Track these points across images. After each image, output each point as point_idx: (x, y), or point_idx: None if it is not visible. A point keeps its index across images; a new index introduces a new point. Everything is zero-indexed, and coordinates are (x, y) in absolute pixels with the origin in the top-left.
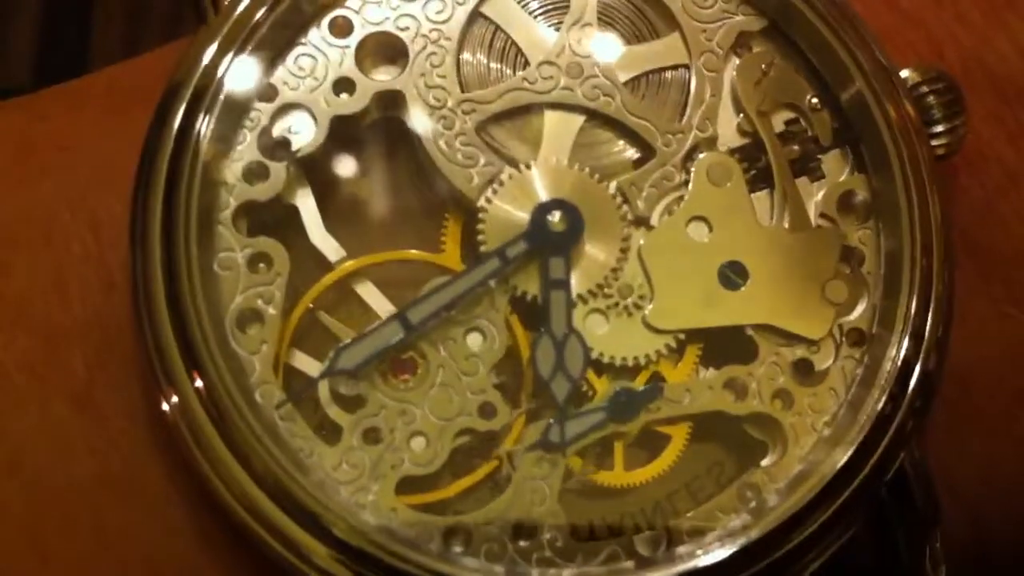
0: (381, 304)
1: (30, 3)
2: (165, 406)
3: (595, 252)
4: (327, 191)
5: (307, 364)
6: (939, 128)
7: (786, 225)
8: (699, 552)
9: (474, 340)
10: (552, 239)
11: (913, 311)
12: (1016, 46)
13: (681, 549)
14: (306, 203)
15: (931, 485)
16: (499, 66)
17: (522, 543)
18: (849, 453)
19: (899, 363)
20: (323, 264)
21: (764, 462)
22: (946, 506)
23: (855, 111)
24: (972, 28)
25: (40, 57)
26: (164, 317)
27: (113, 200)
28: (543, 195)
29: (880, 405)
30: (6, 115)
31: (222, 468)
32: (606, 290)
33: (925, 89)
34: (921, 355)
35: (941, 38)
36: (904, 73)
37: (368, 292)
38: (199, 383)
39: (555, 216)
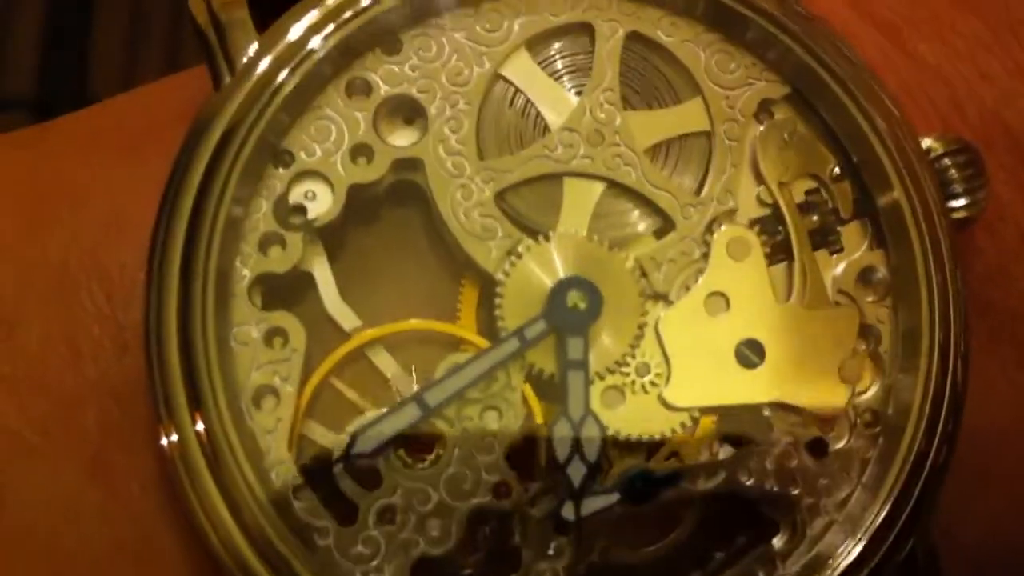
0: (396, 373)
1: (32, 15)
2: (164, 442)
3: (613, 328)
4: (342, 256)
5: (322, 435)
6: (960, 198)
7: (804, 301)
8: None
9: (491, 418)
10: (570, 319)
11: (931, 393)
12: None
13: None
14: (321, 271)
15: (933, 548)
16: (519, 131)
17: None
18: (864, 542)
19: (916, 446)
20: (338, 333)
21: (775, 541)
22: (949, 562)
23: (875, 183)
24: (995, 86)
25: (42, 68)
26: (181, 399)
27: (125, 253)
28: (561, 268)
29: (897, 489)
30: (13, 152)
31: (212, 513)
32: (623, 368)
33: (947, 161)
34: (937, 437)
35: (963, 96)
36: (926, 143)
37: (383, 361)
38: (200, 426)
39: (574, 295)
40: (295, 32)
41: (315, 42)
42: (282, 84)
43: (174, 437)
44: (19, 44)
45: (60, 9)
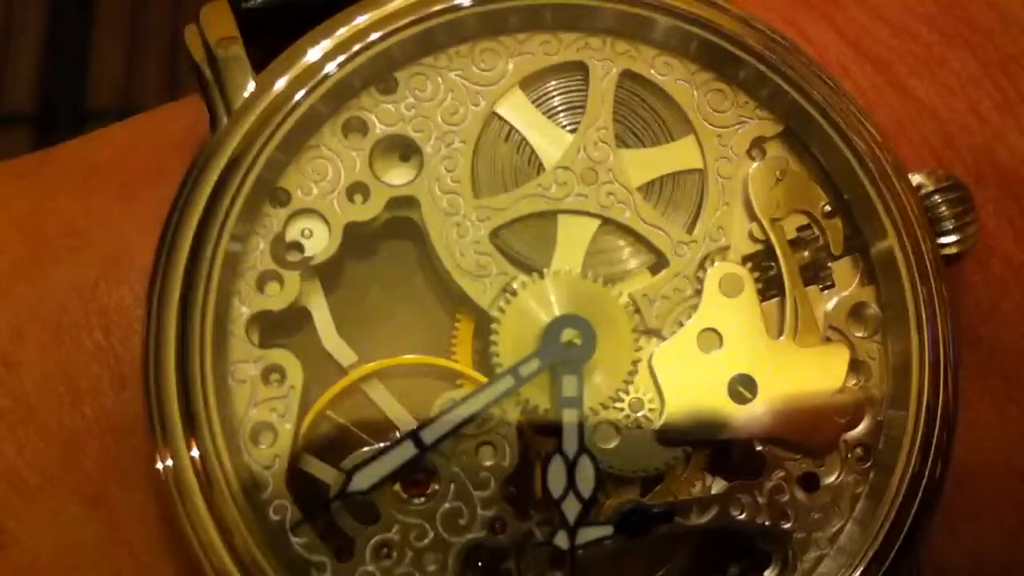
0: (393, 407)
1: (33, 32)
2: (159, 466)
3: (607, 364)
4: (338, 292)
5: (319, 469)
6: (949, 235)
7: (796, 337)
8: None
9: (486, 453)
10: (565, 356)
11: (920, 429)
12: None
13: None
14: (318, 307)
15: None
16: (514, 169)
17: None
18: (851, 569)
19: (906, 481)
20: (335, 368)
21: (767, 574)
22: None
23: (866, 221)
24: (985, 122)
25: (42, 83)
26: (179, 437)
27: (124, 290)
28: (556, 305)
29: (888, 526)
30: (13, 187)
31: (204, 536)
32: (617, 404)
33: (937, 198)
34: (927, 472)
35: (954, 131)
36: (916, 179)
37: (380, 395)
38: (195, 452)
39: (568, 332)
40: (292, 72)
41: (312, 82)
42: (279, 124)
43: (169, 462)
44: (19, 60)
45: (60, 26)
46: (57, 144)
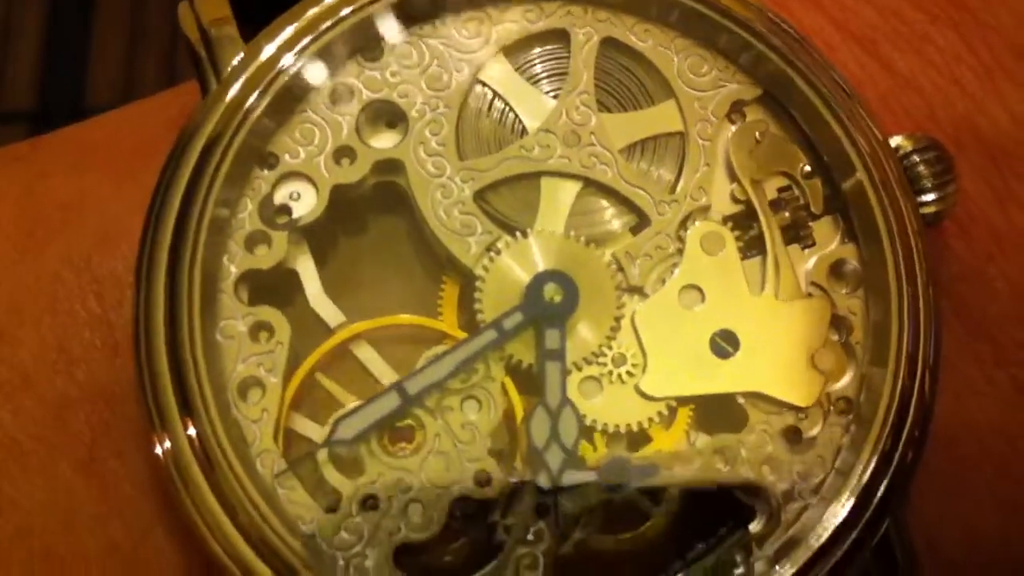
0: (380, 368)
1: (32, 30)
2: (158, 450)
3: (590, 321)
4: (327, 256)
5: (307, 428)
6: (929, 194)
7: (777, 294)
8: None
9: (471, 408)
10: (548, 310)
11: (900, 381)
12: (1009, 112)
13: None
14: (306, 269)
15: (912, 547)
16: (498, 134)
17: None
18: (836, 524)
19: (886, 433)
20: (323, 328)
21: (753, 527)
22: (928, 563)
23: (846, 180)
24: (967, 93)
25: (41, 81)
26: (168, 390)
27: (117, 262)
28: (539, 263)
29: (868, 474)
30: (7, 170)
31: (209, 517)
32: (600, 359)
33: (916, 158)
34: (907, 426)
35: (936, 102)
36: (895, 141)
37: (367, 356)
38: (192, 431)
39: (551, 287)
40: (279, 41)
41: (298, 50)
42: (266, 90)
43: (167, 444)
44: (18, 59)
45: (59, 24)
46: None
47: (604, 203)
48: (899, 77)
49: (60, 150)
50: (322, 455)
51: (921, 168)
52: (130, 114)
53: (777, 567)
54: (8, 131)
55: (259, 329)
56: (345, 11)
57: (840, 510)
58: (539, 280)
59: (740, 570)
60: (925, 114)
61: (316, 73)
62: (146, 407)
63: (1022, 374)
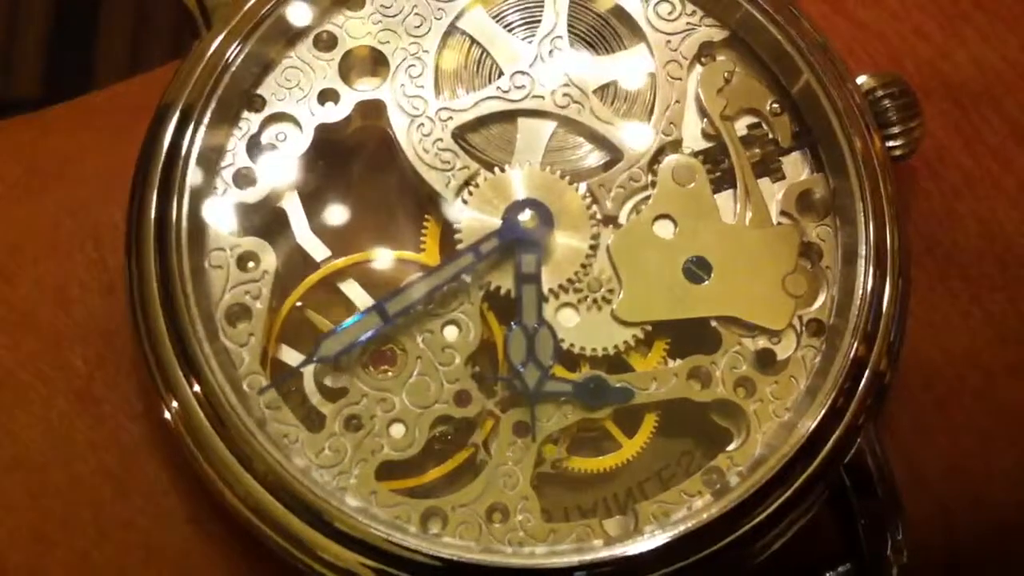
0: (365, 301)
1: (37, 18)
2: (165, 410)
3: (565, 249)
4: (313, 195)
5: (294, 358)
6: (895, 130)
7: (748, 223)
8: (664, 530)
9: (450, 332)
10: (523, 235)
11: (868, 303)
12: (971, 57)
13: (647, 528)
14: (293, 206)
15: (892, 479)
16: (474, 76)
17: (496, 524)
18: (804, 438)
19: (853, 353)
20: (309, 263)
21: (729, 448)
22: (915, 498)
23: (812, 116)
24: (930, 40)
25: (48, 69)
26: (159, 319)
27: (115, 210)
28: (517, 195)
29: (835, 393)
30: (15, 132)
31: (223, 468)
32: (576, 285)
33: (881, 94)
34: (875, 346)
35: (900, 50)
36: (861, 79)
37: (352, 290)
38: (197, 388)
39: (527, 214)
40: None
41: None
42: (249, 36)
43: (175, 405)
44: (25, 47)
45: (66, 12)
46: None
47: (579, 140)
48: (863, 28)
49: (63, 113)
50: (309, 382)
51: (886, 103)
52: (132, 83)
53: (748, 481)
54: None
55: (247, 259)
56: None
57: (810, 424)
58: (515, 207)
59: (716, 486)
60: (890, 61)
61: (300, 19)
62: (149, 372)
63: (995, 308)
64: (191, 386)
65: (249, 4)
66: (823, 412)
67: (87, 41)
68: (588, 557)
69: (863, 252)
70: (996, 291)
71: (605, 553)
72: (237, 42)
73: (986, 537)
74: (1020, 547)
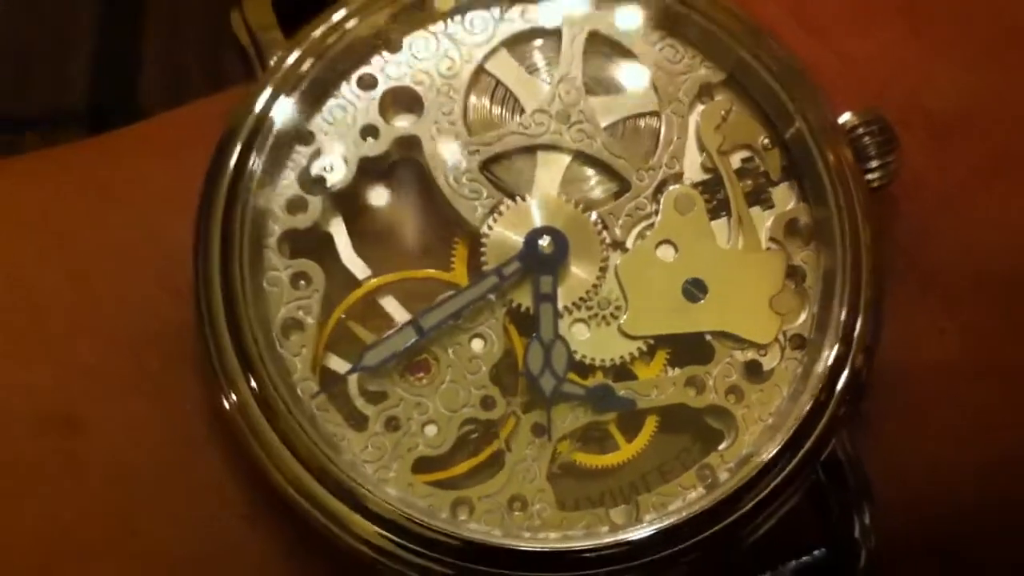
0: (401, 314)
1: (84, 35)
2: (226, 404)
3: (579, 271)
4: (356, 220)
5: (340, 365)
6: (874, 164)
7: (741, 247)
8: (662, 519)
9: (477, 344)
10: (542, 260)
11: (843, 319)
12: (952, 85)
13: (648, 517)
14: (338, 230)
15: (862, 472)
16: (500, 113)
17: (516, 513)
18: (786, 438)
19: (830, 363)
20: (352, 281)
21: (720, 447)
22: (891, 493)
23: (798, 151)
24: (912, 71)
25: (94, 83)
26: (223, 328)
27: (179, 226)
28: (536, 222)
29: (813, 398)
30: (77, 157)
31: (275, 456)
32: (588, 303)
33: (861, 131)
34: (850, 356)
35: (885, 81)
36: (844, 117)
37: (390, 304)
38: (253, 384)
39: (545, 240)
40: (313, 37)
41: (330, 43)
42: (303, 79)
43: (233, 398)
44: (73, 62)
45: (110, 28)
46: None
47: (592, 172)
48: (849, 61)
49: (123, 138)
50: (353, 387)
51: (866, 139)
52: (184, 111)
53: (736, 476)
54: (66, 133)
55: (299, 278)
56: (370, 13)
57: (791, 426)
58: (534, 234)
59: (708, 480)
60: (874, 93)
61: (347, 64)
62: (212, 370)
63: (971, 320)
64: (248, 383)
65: (305, 46)
66: (803, 416)
67: (132, 55)
68: (596, 542)
69: (841, 274)
70: (970, 306)
71: (610, 539)
72: (291, 85)
73: (957, 524)
74: (989, 530)
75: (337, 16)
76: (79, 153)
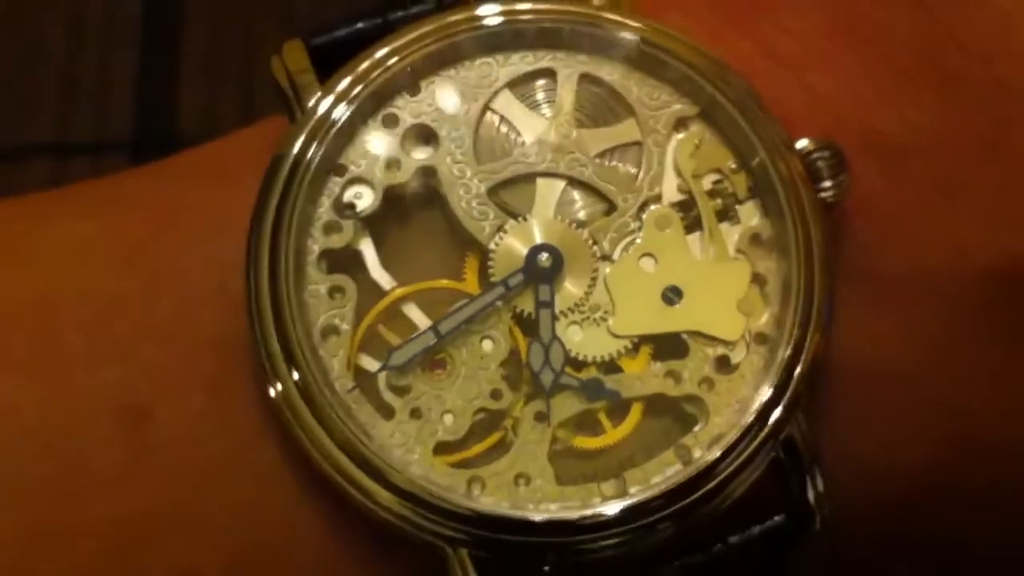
0: (422, 320)
1: (126, 67)
2: (272, 393)
3: (573, 281)
4: (382, 238)
5: (370, 364)
6: (826, 183)
7: (711, 258)
8: (646, 491)
9: (487, 345)
10: (541, 272)
11: (798, 319)
12: (902, 119)
13: (633, 489)
14: (367, 247)
15: (815, 447)
16: (504, 146)
17: (521, 488)
18: (750, 421)
19: (788, 356)
20: (379, 291)
21: (695, 429)
22: (845, 470)
23: (760, 173)
24: (868, 106)
25: (137, 112)
26: (271, 330)
27: (232, 247)
28: (536, 239)
29: (773, 387)
30: (144, 182)
31: (313, 437)
32: (581, 308)
33: (815, 155)
34: (804, 350)
35: (845, 111)
36: (801, 143)
37: (413, 311)
38: (296, 376)
39: (543, 256)
40: (344, 83)
41: (358, 90)
42: (336, 120)
43: (279, 387)
44: (115, 93)
45: (150, 60)
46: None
47: (584, 195)
48: (813, 95)
49: (182, 166)
50: (382, 382)
51: (819, 162)
52: (229, 140)
53: (708, 454)
54: (109, 161)
55: (335, 291)
56: (391, 62)
57: (754, 409)
58: (535, 251)
59: (685, 457)
60: (834, 123)
61: (373, 106)
62: (260, 361)
63: (916, 320)
64: (291, 374)
65: (337, 93)
66: (765, 402)
67: (170, 86)
68: (589, 511)
69: (796, 280)
70: (917, 308)
71: (601, 508)
72: (326, 125)
73: (910, 496)
74: (936, 504)
75: (363, 66)
76: (142, 180)
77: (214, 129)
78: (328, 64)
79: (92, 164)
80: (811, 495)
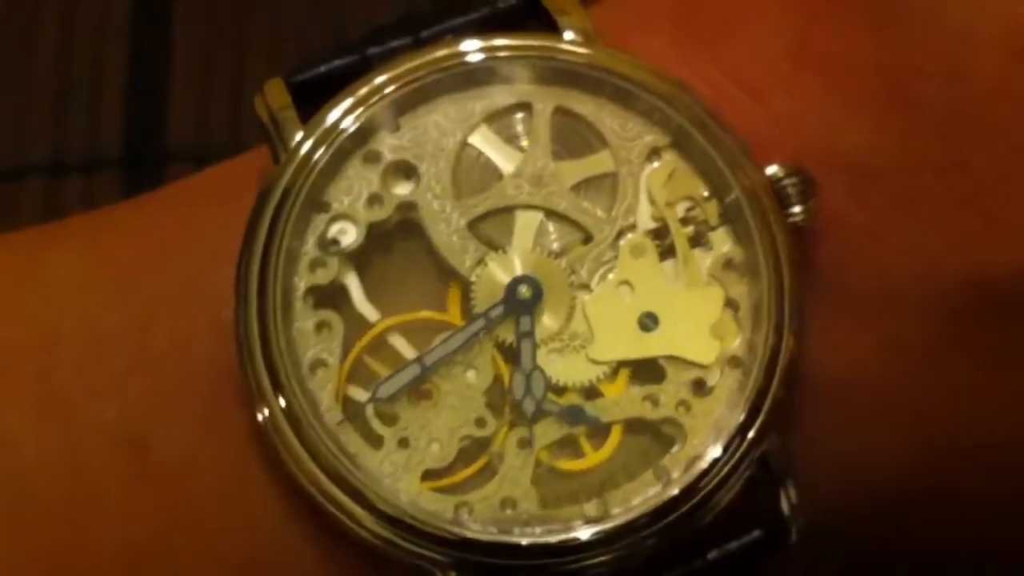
0: (407, 350)
1: (115, 85)
2: (260, 418)
3: (553, 310)
4: (366, 272)
5: (358, 394)
6: (796, 208)
7: (686, 284)
8: (627, 512)
9: (470, 374)
10: (521, 304)
11: (771, 341)
12: (865, 140)
13: (615, 510)
14: (352, 281)
15: (788, 464)
16: (483, 180)
17: (507, 512)
18: (726, 441)
19: (760, 379)
20: (365, 323)
21: (673, 450)
22: (821, 477)
23: (730, 201)
24: (833, 128)
25: (127, 129)
26: (261, 367)
27: (225, 276)
28: (516, 270)
29: (747, 408)
30: (134, 213)
31: (299, 462)
32: (560, 336)
33: (785, 181)
34: (777, 374)
35: (810, 136)
36: (770, 169)
37: (398, 341)
38: (283, 403)
39: (523, 287)
40: (327, 122)
41: (341, 127)
42: (319, 158)
43: (266, 412)
44: (106, 110)
45: (140, 77)
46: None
47: (560, 226)
48: (780, 120)
49: (177, 194)
50: (370, 412)
51: (789, 188)
52: (228, 165)
53: (687, 474)
54: (102, 177)
55: (322, 326)
56: (373, 99)
57: (730, 430)
58: (515, 282)
59: (664, 478)
60: (801, 146)
61: (354, 143)
62: (248, 387)
63: (883, 331)
64: (278, 400)
65: (315, 136)
66: (740, 423)
67: (160, 105)
68: (572, 534)
69: (767, 303)
70: (887, 320)
71: (583, 530)
72: (310, 164)
73: (885, 504)
74: (914, 511)
75: (345, 104)
76: (140, 208)
77: (204, 145)
78: (310, 98)
79: (85, 183)
80: (785, 507)
